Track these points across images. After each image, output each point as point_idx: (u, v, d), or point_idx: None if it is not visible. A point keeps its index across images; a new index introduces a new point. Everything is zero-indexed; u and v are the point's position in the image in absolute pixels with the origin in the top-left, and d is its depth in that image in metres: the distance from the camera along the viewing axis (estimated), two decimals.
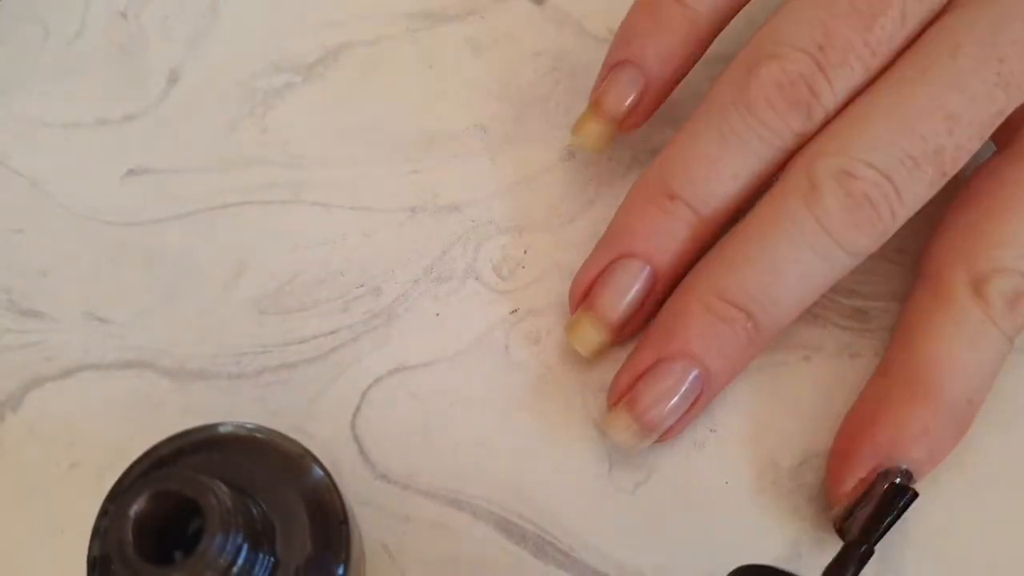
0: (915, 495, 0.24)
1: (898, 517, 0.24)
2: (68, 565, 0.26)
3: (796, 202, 0.25)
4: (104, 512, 0.21)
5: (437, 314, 0.29)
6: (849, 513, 0.25)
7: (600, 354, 0.27)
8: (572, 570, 0.26)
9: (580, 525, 0.27)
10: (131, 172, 0.31)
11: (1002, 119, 0.25)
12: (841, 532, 0.25)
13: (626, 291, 0.26)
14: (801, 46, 0.25)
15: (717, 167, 0.26)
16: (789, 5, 0.26)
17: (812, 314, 0.28)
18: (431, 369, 0.28)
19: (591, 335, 0.27)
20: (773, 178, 0.26)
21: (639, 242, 0.26)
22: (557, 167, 0.31)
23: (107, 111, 0.32)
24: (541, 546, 0.26)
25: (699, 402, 0.26)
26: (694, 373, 0.25)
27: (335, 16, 0.33)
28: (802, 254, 0.25)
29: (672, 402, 0.25)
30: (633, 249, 0.26)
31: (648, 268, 0.26)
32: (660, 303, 0.27)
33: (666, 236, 0.26)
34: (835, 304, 0.29)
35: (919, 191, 0.24)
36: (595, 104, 0.28)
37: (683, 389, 0.25)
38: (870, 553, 0.23)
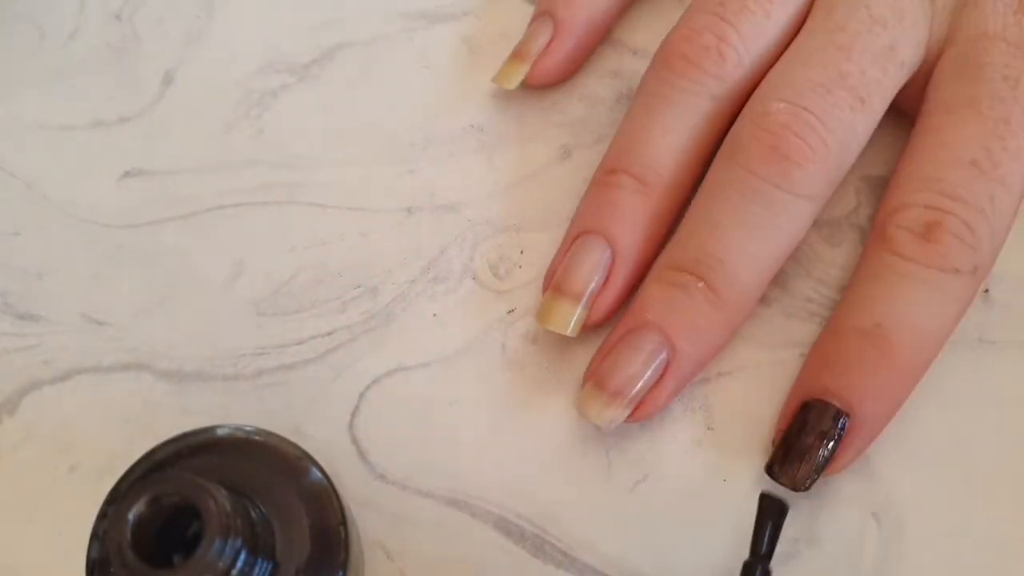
0: (785, 506, 0.25)
1: (776, 528, 0.24)
2: (67, 568, 0.26)
3: (723, 162, 0.26)
4: (103, 515, 0.21)
5: (434, 314, 0.29)
6: (774, 452, 0.26)
7: (578, 328, 0.27)
8: (571, 569, 0.26)
9: (579, 524, 0.27)
10: (127, 174, 0.31)
11: (899, 56, 0.26)
12: (769, 470, 0.26)
13: (583, 263, 0.27)
14: (703, 8, 0.28)
15: (646, 130, 0.27)
16: None
17: (809, 312, 0.28)
18: (429, 369, 0.28)
19: (559, 310, 0.27)
20: (716, 137, 0.27)
21: (590, 219, 0.27)
22: (554, 166, 0.31)
23: (102, 113, 0.32)
24: (540, 545, 0.26)
25: (670, 372, 0.26)
26: (654, 340, 0.26)
27: (330, 16, 0.33)
28: (738, 206, 0.25)
29: (633, 368, 0.26)
30: (585, 227, 0.27)
31: (603, 240, 0.27)
32: (631, 276, 0.27)
33: (615, 208, 0.27)
34: (832, 302, 0.29)
35: (841, 115, 0.25)
36: (518, 50, 0.30)
37: (644, 356, 0.26)
38: (765, 570, 0.24)
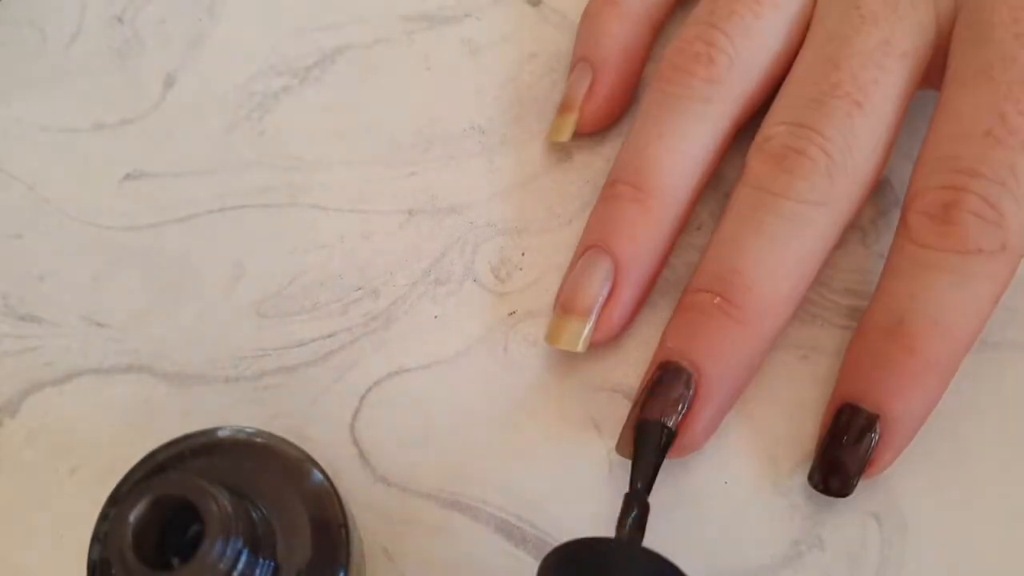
0: (671, 432, 0.25)
1: (660, 456, 0.25)
2: (68, 570, 0.26)
3: (736, 190, 0.26)
4: (104, 517, 0.21)
5: (436, 316, 0.29)
6: (815, 460, 0.26)
7: (586, 344, 0.27)
8: None
9: (580, 527, 0.27)
10: (129, 176, 0.31)
11: (896, 49, 0.26)
12: (810, 478, 0.26)
13: (587, 278, 0.27)
14: (694, 20, 0.28)
15: (641, 139, 0.27)
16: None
17: (810, 314, 0.28)
18: (430, 371, 0.28)
19: (567, 328, 0.27)
20: (716, 143, 0.27)
21: (590, 235, 0.28)
22: (555, 169, 0.31)
23: (104, 115, 0.32)
24: (541, 548, 0.26)
25: (700, 397, 0.25)
26: (681, 369, 0.25)
27: (332, 19, 0.33)
28: (749, 219, 0.26)
29: (659, 401, 0.25)
30: (586, 243, 0.27)
31: (602, 252, 0.27)
32: (636, 287, 0.27)
33: (614, 220, 0.27)
34: (833, 304, 0.29)
35: (838, 123, 0.25)
36: (563, 102, 0.30)
37: (679, 388, 0.25)
38: (642, 500, 0.24)
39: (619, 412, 0.27)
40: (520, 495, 0.27)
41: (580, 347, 0.27)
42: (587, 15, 0.31)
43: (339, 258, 0.30)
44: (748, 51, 0.27)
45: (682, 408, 0.25)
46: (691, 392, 0.25)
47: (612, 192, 0.27)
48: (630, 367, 0.28)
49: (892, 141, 0.26)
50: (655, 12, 0.31)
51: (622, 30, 0.30)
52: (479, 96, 0.32)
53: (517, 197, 0.30)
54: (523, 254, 0.30)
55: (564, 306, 0.27)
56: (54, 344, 0.29)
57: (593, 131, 0.30)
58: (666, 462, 0.25)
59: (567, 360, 0.28)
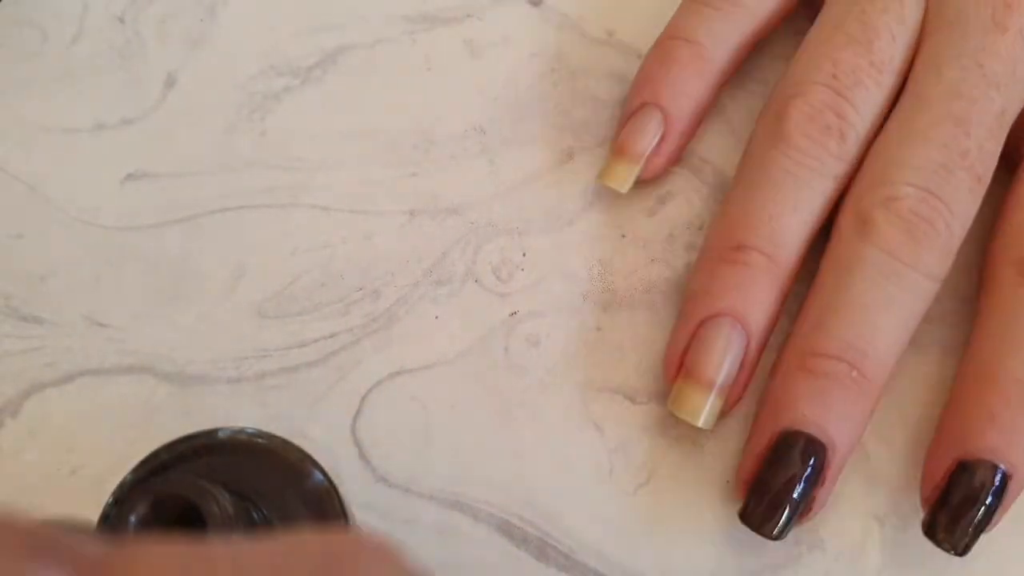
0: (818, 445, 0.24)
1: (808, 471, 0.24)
2: None
3: (857, 242, 0.26)
4: (105, 517, 0.21)
5: (437, 317, 0.29)
6: (933, 513, 0.25)
7: (714, 420, 0.26)
8: (574, 572, 0.26)
9: (581, 527, 0.27)
10: (130, 176, 0.31)
11: (1008, 119, 0.26)
12: (929, 533, 0.25)
13: (722, 350, 0.26)
14: (817, 80, 0.27)
15: (776, 207, 0.26)
16: (797, 54, 0.28)
17: None
18: (431, 372, 0.28)
19: (692, 397, 0.26)
20: (831, 213, 0.27)
21: (720, 300, 0.26)
22: (556, 169, 0.31)
23: (105, 115, 0.32)
24: (543, 548, 0.26)
25: (829, 469, 0.25)
26: (810, 440, 0.24)
27: (333, 19, 0.33)
28: (880, 288, 0.25)
29: (792, 470, 0.24)
30: (717, 309, 0.26)
31: (737, 324, 0.26)
32: (759, 357, 0.26)
33: (747, 288, 0.26)
34: None
35: (962, 197, 0.25)
36: (619, 148, 0.29)
37: (800, 457, 0.24)
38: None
39: (619, 413, 0.27)
40: (520, 495, 0.27)
41: (704, 423, 0.26)
42: (664, 55, 0.29)
43: (340, 258, 0.30)
44: (869, 125, 0.27)
45: (808, 476, 0.24)
46: (821, 462, 0.24)
47: (739, 256, 0.26)
48: (630, 368, 0.28)
49: None
50: (729, 66, 0.30)
51: (702, 86, 0.29)
52: (480, 96, 0.32)
53: (518, 197, 0.30)
54: (524, 254, 0.30)
55: (690, 374, 0.26)
56: (55, 344, 0.29)
57: (647, 180, 0.30)
58: (664, 461, 0.25)
59: (567, 361, 0.28)
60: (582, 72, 0.32)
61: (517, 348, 0.29)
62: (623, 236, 0.30)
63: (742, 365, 0.26)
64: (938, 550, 0.24)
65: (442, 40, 0.33)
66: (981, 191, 0.26)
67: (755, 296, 0.26)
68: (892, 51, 0.27)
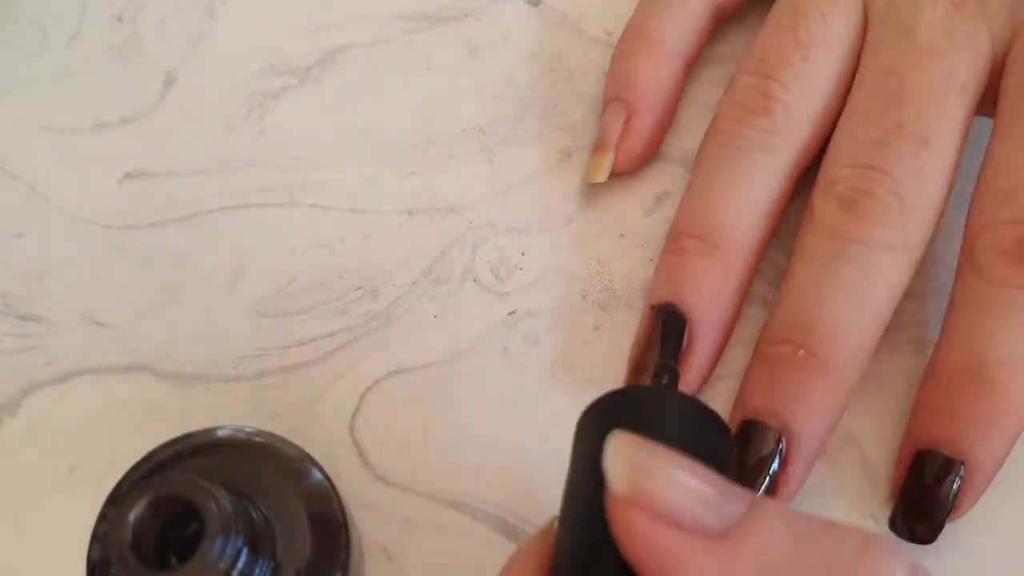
0: (684, 321, 0.25)
1: (679, 340, 0.25)
2: (67, 569, 0.26)
3: (803, 232, 0.26)
4: (103, 516, 0.21)
5: (435, 316, 0.29)
6: (894, 506, 0.25)
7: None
8: None
9: None
10: (128, 175, 0.31)
11: (959, 81, 0.26)
12: (891, 525, 0.25)
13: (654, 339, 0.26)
14: (744, 71, 0.28)
15: (710, 193, 0.27)
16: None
17: None
18: (430, 371, 0.28)
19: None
20: (779, 191, 0.27)
21: (662, 290, 0.27)
22: (554, 168, 0.31)
23: (104, 114, 0.32)
24: None
25: (791, 456, 0.25)
26: (768, 429, 0.25)
27: (332, 18, 0.33)
28: (824, 267, 0.25)
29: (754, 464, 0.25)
30: (658, 298, 0.27)
31: (675, 310, 0.26)
32: (713, 338, 0.27)
33: (685, 274, 0.26)
34: None
35: (904, 163, 0.25)
36: (594, 147, 0.30)
37: (770, 448, 0.25)
38: (672, 368, 0.25)
39: None
40: (520, 495, 0.27)
41: None
42: (619, 53, 0.30)
43: (339, 257, 0.30)
44: (804, 98, 0.27)
45: (772, 466, 0.25)
46: (781, 450, 0.25)
47: (678, 246, 0.27)
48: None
49: (955, 176, 0.26)
50: (688, 49, 0.30)
51: (656, 69, 0.29)
52: (479, 96, 0.32)
53: (517, 197, 0.30)
54: (523, 254, 0.30)
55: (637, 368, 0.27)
56: (54, 343, 0.29)
57: (628, 171, 0.30)
58: None
59: (567, 360, 0.28)
60: (581, 72, 0.32)
61: (516, 347, 0.29)
62: (621, 235, 0.30)
63: (689, 345, 0.26)
64: (936, 548, 0.24)
65: (441, 40, 0.33)
66: (934, 153, 0.25)
67: (691, 280, 0.26)
68: (823, 29, 0.27)
